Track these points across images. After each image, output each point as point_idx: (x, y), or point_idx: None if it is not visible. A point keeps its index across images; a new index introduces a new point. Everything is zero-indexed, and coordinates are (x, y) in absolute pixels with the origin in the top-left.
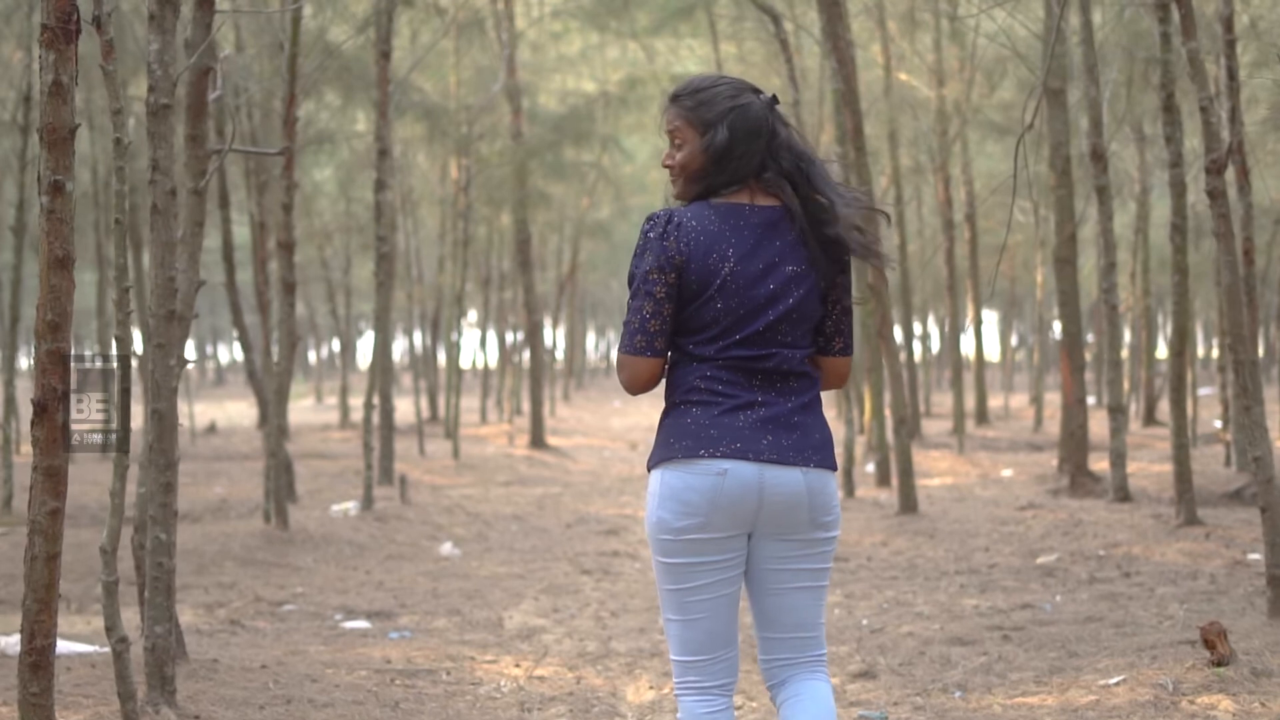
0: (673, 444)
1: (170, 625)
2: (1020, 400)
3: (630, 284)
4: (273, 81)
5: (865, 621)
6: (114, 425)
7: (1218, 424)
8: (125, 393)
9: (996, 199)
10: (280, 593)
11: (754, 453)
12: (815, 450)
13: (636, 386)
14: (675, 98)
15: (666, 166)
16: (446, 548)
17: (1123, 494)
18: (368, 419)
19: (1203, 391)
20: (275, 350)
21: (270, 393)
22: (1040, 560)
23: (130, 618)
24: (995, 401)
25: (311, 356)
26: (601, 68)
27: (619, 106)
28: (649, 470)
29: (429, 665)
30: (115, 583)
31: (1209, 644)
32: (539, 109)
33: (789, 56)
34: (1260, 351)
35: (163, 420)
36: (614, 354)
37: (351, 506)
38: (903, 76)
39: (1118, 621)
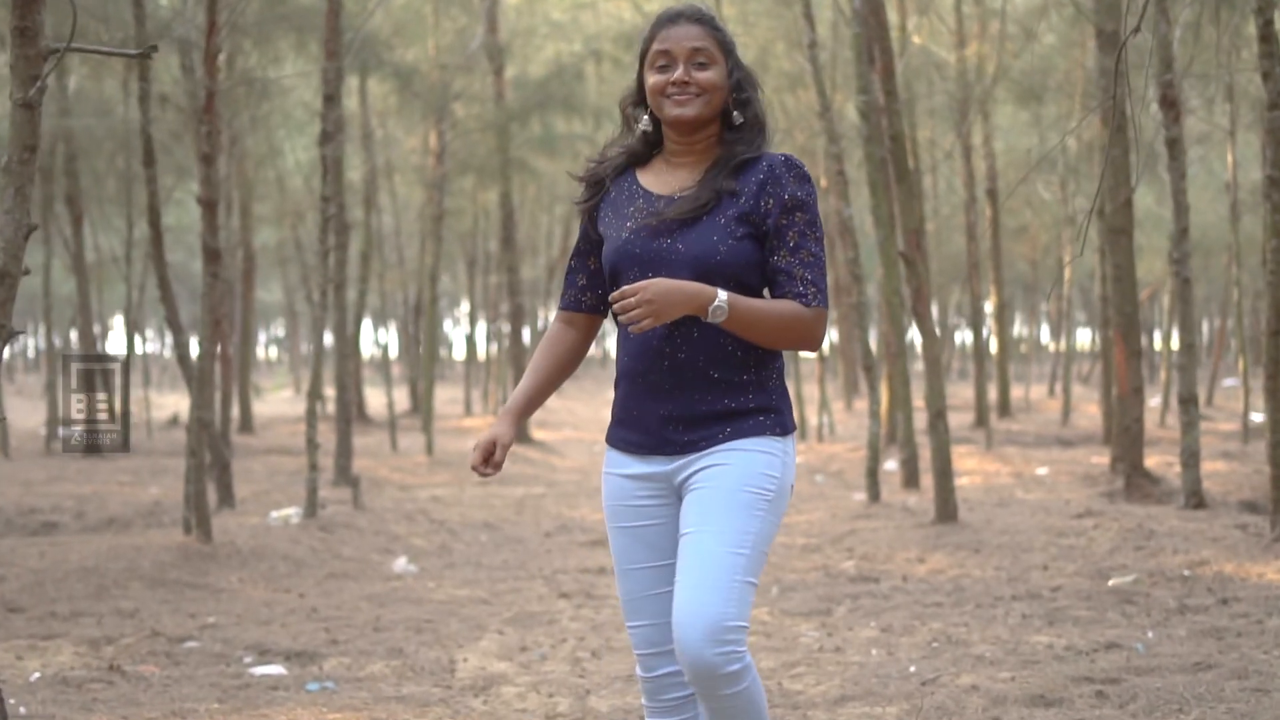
0: (789, 412)
1: None
2: (1039, 392)
3: (817, 231)
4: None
5: (913, 669)
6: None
7: (1258, 417)
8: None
9: (1020, 176)
10: (187, 623)
11: None
12: None
13: None
14: (699, 19)
15: (683, 83)
16: (400, 564)
17: (1197, 499)
18: (311, 411)
19: (1228, 382)
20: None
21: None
22: (1113, 582)
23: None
24: (1015, 393)
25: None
26: (596, 33)
27: (612, 70)
28: (779, 434)
29: None
30: None
31: None
32: (526, 78)
33: None
34: None
35: None
36: (610, 343)
37: (293, 513)
38: (918, 39)
39: (1236, 670)
